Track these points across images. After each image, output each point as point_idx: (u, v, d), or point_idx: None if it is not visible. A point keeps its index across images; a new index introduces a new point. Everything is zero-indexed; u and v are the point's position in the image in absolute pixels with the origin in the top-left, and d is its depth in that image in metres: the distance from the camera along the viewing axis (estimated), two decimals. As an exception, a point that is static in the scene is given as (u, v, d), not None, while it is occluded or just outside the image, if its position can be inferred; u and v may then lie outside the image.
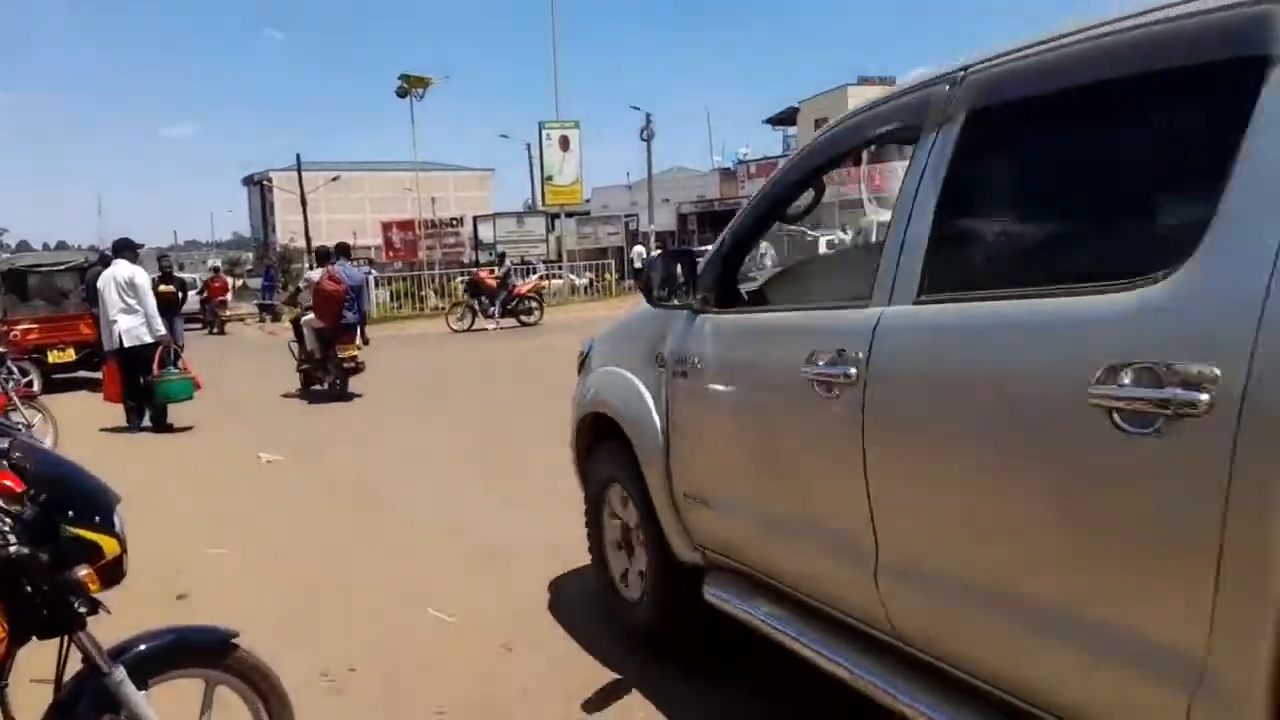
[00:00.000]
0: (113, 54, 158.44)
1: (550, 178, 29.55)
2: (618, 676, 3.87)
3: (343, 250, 15.31)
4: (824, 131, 3.30)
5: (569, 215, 32.02)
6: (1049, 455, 2.07)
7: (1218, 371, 1.72)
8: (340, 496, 7.39)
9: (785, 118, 62.38)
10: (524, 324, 21.97)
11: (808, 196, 3.67)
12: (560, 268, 30.73)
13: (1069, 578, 2.06)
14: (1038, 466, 2.11)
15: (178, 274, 18.92)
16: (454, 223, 35.34)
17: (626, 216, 42.29)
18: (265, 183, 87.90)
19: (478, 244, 32.03)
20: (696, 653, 3.93)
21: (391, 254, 40.10)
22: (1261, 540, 1.65)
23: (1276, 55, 1.79)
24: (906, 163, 2.70)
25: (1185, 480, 1.78)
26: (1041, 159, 2.52)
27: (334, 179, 67.72)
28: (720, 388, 3.46)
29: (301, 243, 58.10)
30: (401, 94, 29.69)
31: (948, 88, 2.60)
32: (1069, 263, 2.34)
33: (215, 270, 32.03)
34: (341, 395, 12.29)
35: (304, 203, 53.46)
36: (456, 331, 21.52)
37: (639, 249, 35.95)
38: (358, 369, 12.28)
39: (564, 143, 29.68)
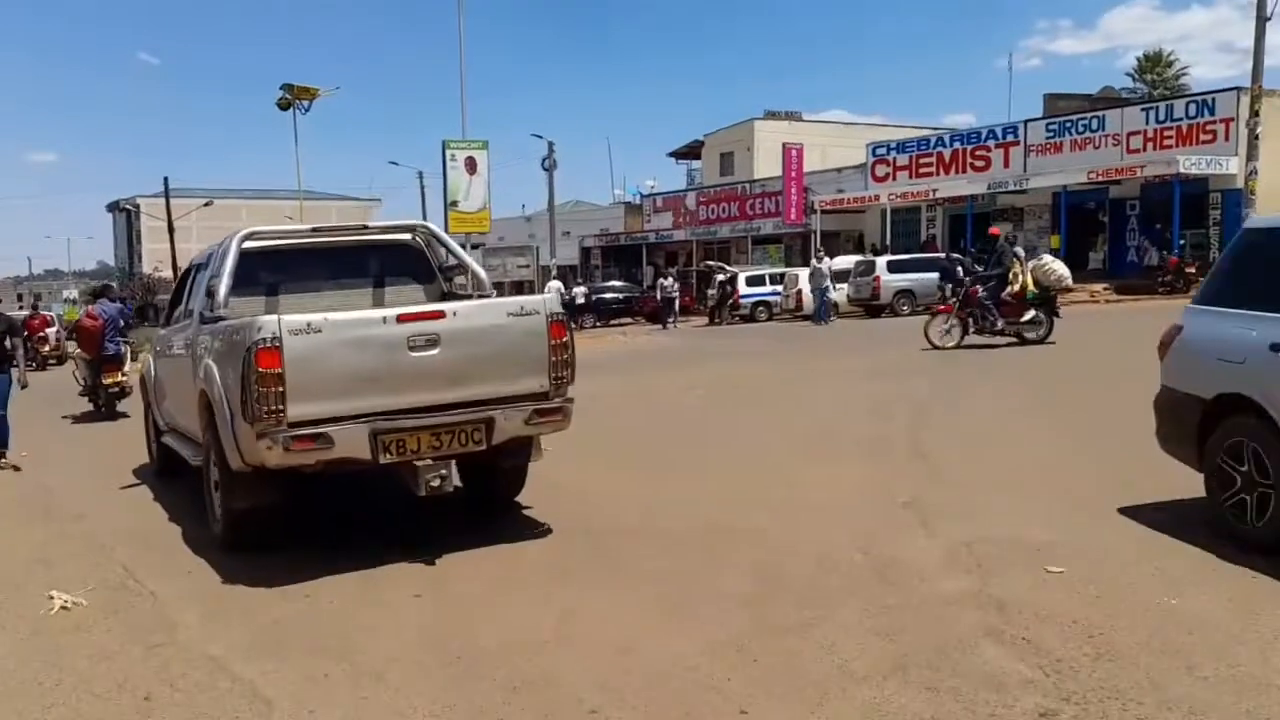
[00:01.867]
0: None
1: (455, 203, 26.59)
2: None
3: (104, 290, 17.06)
4: None
5: (471, 246, 29.01)
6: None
7: None
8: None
9: (689, 151, 60.53)
10: None
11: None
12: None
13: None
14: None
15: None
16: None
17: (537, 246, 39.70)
18: (131, 209, 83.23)
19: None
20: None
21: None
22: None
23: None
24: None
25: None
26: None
27: (206, 204, 63.52)
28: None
29: (168, 271, 54.04)
30: (284, 106, 26.37)
31: None
32: None
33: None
34: (110, 416, 13.97)
35: (170, 229, 49.62)
36: None
37: (555, 283, 32.92)
38: (124, 393, 13.86)
39: (470, 164, 26.78)
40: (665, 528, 6.03)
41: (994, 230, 16.82)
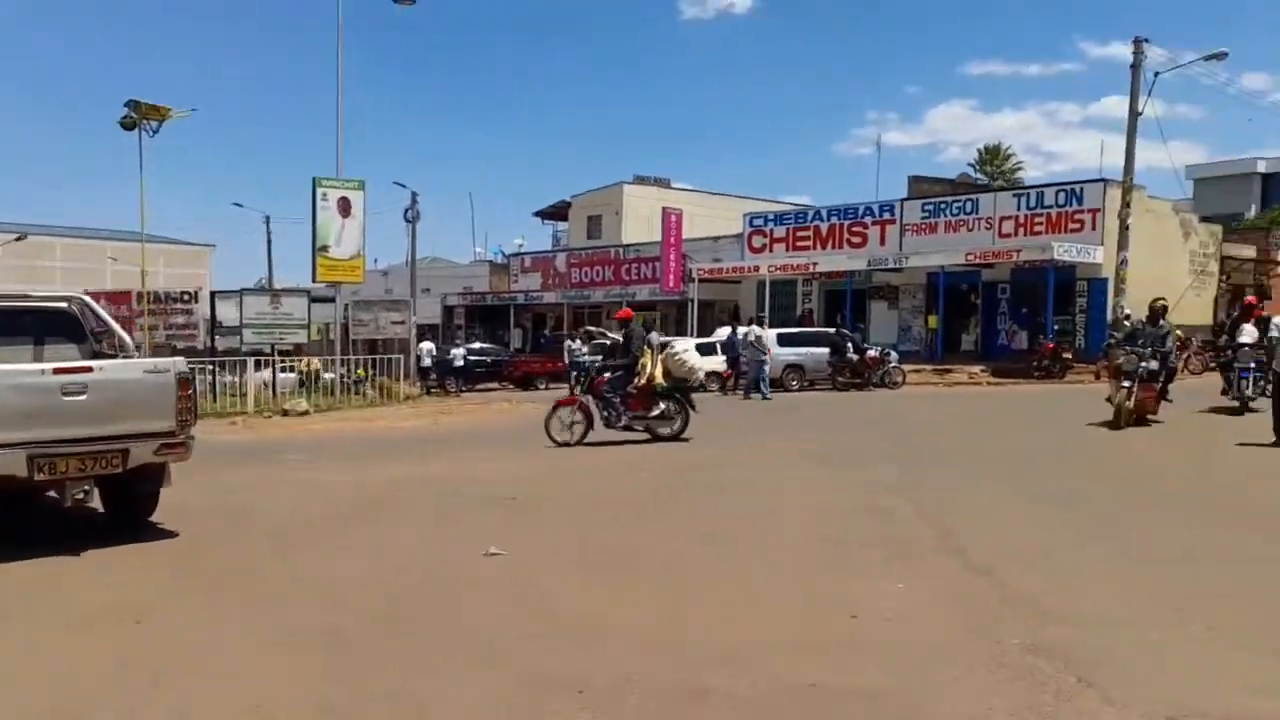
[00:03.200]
0: None
1: (325, 247, 24.42)
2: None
3: None
4: None
5: (315, 299, 26.85)
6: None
7: None
8: None
9: (556, 212, 59.68)
10: None
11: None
12: (333, 361, 25.37)
13: None
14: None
15: None
16: (185, 298, 29.13)
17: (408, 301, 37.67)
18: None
19: (214, 326, 25.89)
20: None
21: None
22: None
23: None
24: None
25: None
26: None
27: (18, 239, 58.67)
28: None
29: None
30: (128, 126, 23.70)
31: None
32: None
33: None
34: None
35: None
36: None
37: (427, 344, 31.15)
38: None
39: (344, 206, 24.73)
40: (727, 689, 4.45)
41: (624, 313, 15.50)
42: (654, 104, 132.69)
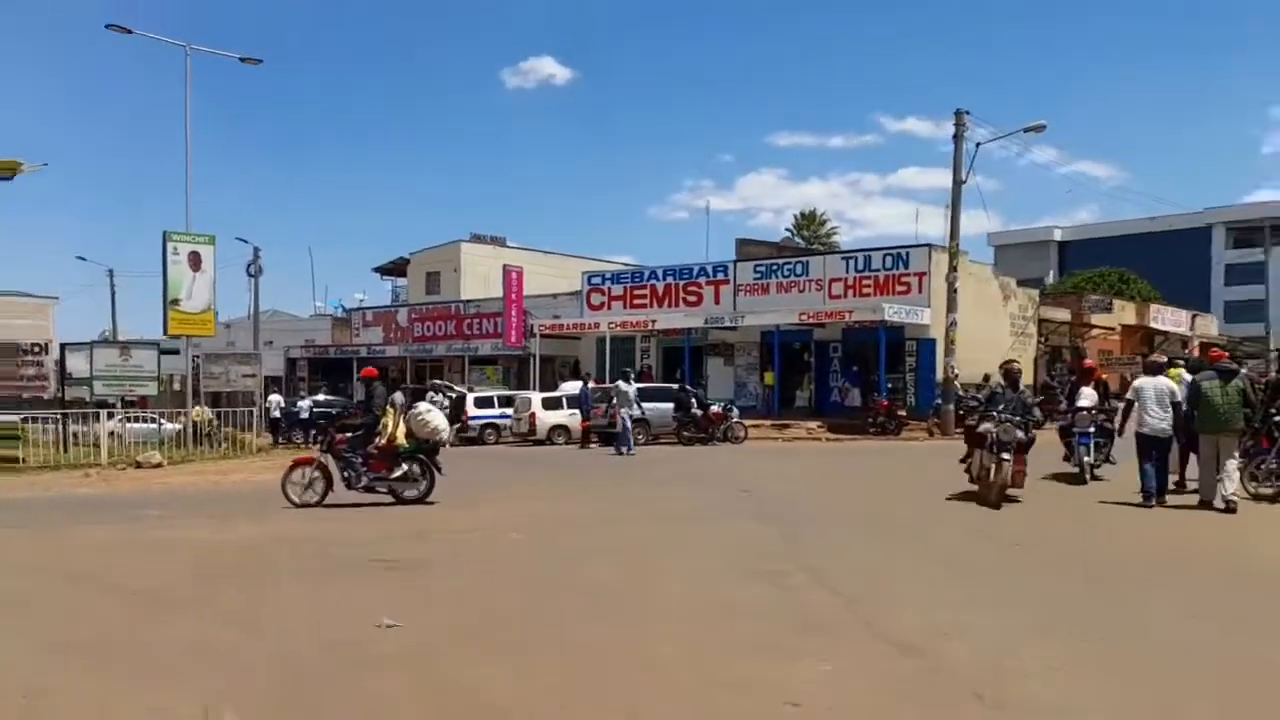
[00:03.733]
0: None
1: (176, 301, 23.93)
2: None
3: None
4: None
5: (163, 352, 26.45)
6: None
7: None
8: None
9: (395, 268, 59.33)
10: None
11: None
12: (181, 413, 24.88)
13: None
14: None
15: None
16: (36, 349, 28.00)
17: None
18: None
19: (64, 377, 25.28)
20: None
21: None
22: None
23: None
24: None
25: None
26: None
27: None
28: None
29: None
30: (-22, 177, 23.03)
31: None
32: None
33: None
34: None
35: None
36: None
37: (275, 397, 30.53)
38: None
39: (195, 260, 24.29)
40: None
41: (369, 371, 15.40)
42: (485, 167, 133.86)
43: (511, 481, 18.62)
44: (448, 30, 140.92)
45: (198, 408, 24.91)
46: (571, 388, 32.10)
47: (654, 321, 37.21)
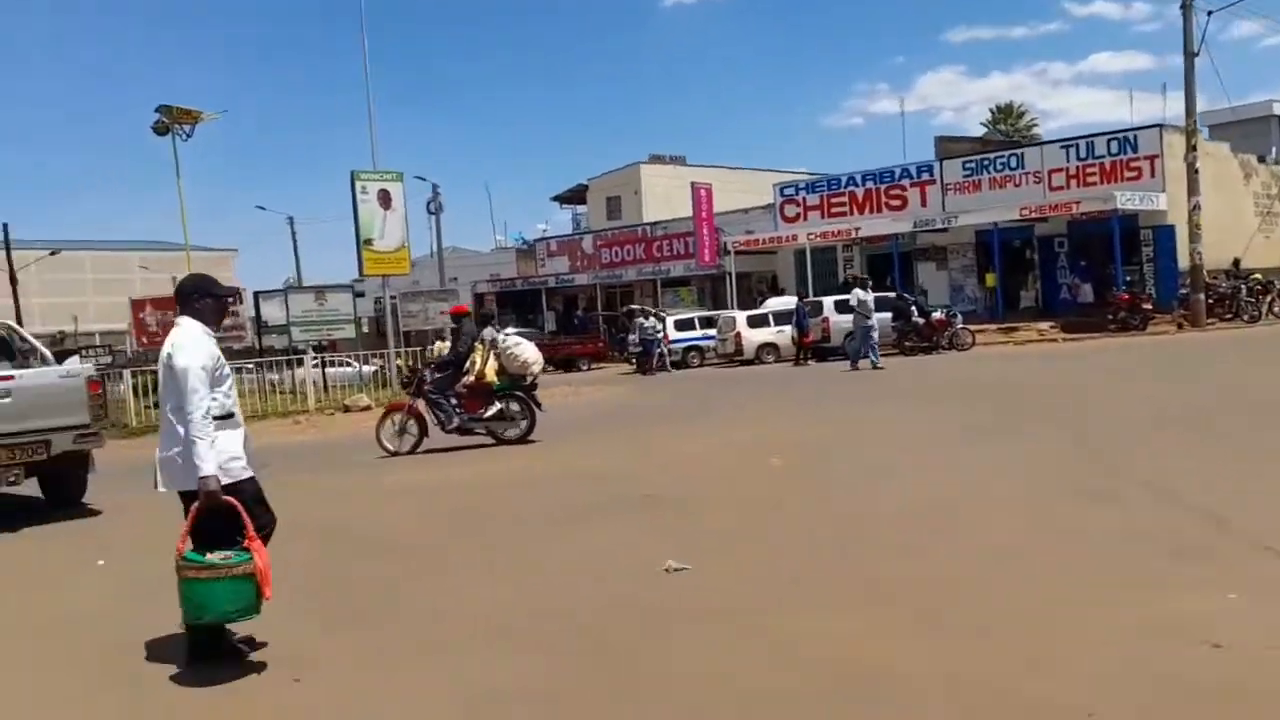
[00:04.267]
0: None
1: (369, 241, 23.42)
2: None
3: None
4: None
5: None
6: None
7: None
8: None
9: (574, 195, 58.61)
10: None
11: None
12: (376, 356, 24.62)
13: None
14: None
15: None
16: (231, 299, 28.26)
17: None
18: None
19: (260, 326, 25.25)
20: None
21: (145, 339, 32.13)
22: None
23: None
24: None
25: None
26: None
27: (52, 254, 58.20)
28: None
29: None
30: (161, 131, 22.93)
31: None
32: None
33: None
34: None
35: (13, 280, 44.62)
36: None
37: (488, 330, 29.98)
38: None
39: (384, 198, 23.74)
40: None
41: (458, 308, 14.53)
42: (652, 89, 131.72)
43: (744, 402, 17.31)
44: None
45: (439, 343, 24.49)
46: (779, 303, 30.52)
47: (857, 229, 35.11)
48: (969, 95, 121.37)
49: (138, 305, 33.68)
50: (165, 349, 4.99)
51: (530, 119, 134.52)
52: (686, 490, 8.83)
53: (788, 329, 27.90)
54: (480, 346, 13.05)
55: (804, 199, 38.61)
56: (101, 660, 5.19)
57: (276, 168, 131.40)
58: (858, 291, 23.22)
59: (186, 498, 4.87)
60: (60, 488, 10.26)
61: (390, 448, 12.87)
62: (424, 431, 12.97)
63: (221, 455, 4.76)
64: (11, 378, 9.43)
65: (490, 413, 12.87)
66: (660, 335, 29.41)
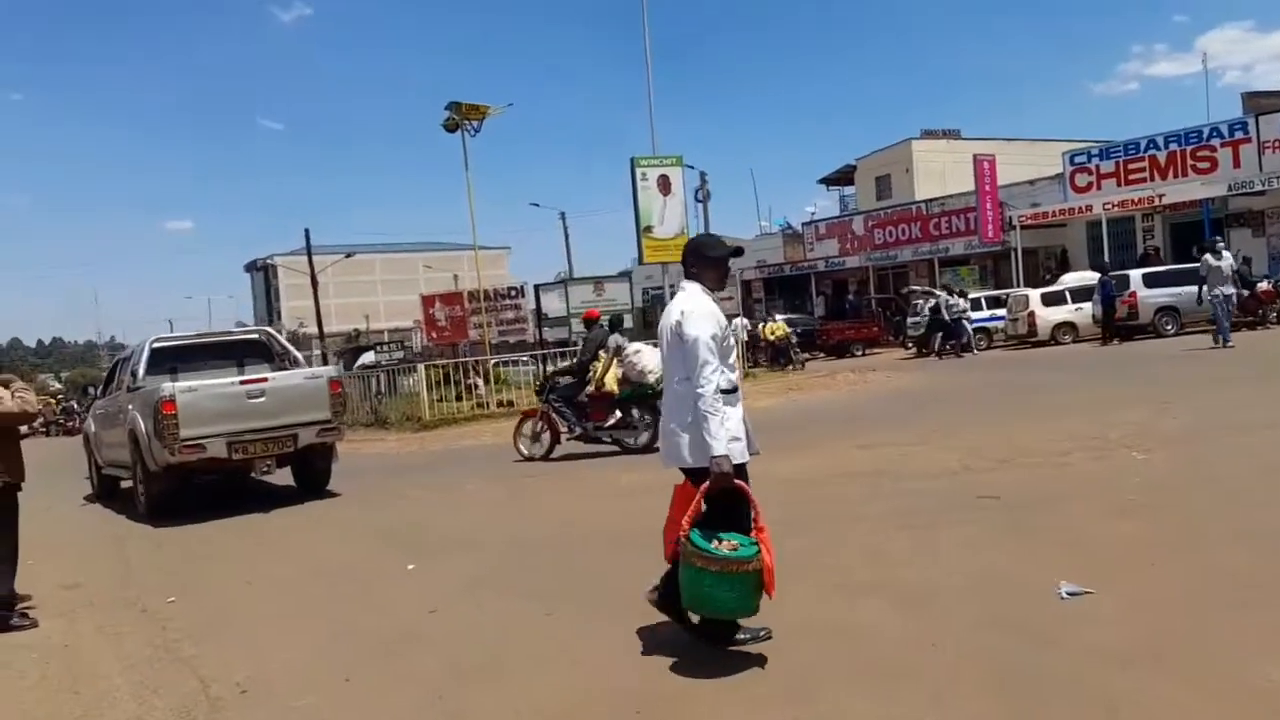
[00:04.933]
0: (109, 151, 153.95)
1: (649, 228, 23.57)
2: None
3: None
4: None
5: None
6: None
7: None
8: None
9: (841, 177, 57.28)
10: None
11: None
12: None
13: None
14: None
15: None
16: (512, 294, 29.17)
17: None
18: (269, 268, 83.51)
19: (541, 319, 25.82)
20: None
21: (436, 334, 33.70)
22: None
23: None
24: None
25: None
26: None
27: (347, 256, 62.65)
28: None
29: (312, 327, 52.87)
30: (451, 128, 23.80)
31: None
32: None
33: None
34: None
35: (314, 282, 48.17)
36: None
37: (740, 320, 29.68)
38: None
39: (664, 184, 23.81)
40: None
41: (591, 313, 14.16)
42: (912, 62, 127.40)
43: (1063, 385, 15.96)
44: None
45: (773, 322, 24.30)
46: (1075, 278, 28.54)
47: (1160, 196, 32.26)
48: (1256, 52, 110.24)
49: (428, 301, 35.54)
50: (671, 315, 4.72)
51: (793, 104, 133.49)
52: (1035, 491, 7.78)
53: (1086, 306, 25.95)
54: (604, 355, 13.03)
55: (1097, 166, 35.91)
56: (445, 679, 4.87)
57: (545, 163, 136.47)
58: (1208, 258, 20.01)
59: (693, 475, 4.63)
60: (308, 476, 11.73)
61: (525, 452, 13.17)
62: (556, 438, 13.13)
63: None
64: (266, 379, 10.87)
65: (611, 421, 12.87)
66: (968, 314, 27.73)
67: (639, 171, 23.72)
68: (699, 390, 4.43)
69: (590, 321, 13.90)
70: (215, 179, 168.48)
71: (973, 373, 21.42)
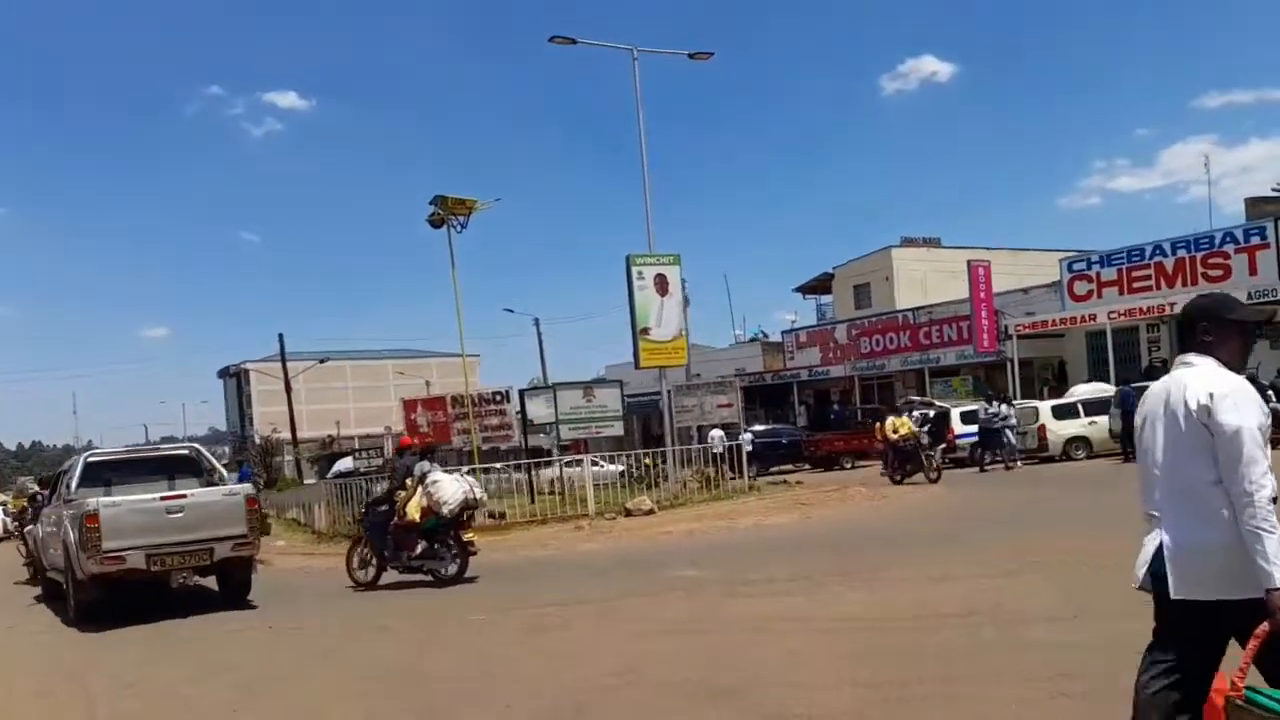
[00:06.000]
0: (89, 263, 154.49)
1: (645, 330, 21.78)
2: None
3: None
4: None
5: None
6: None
7: None
8: None
9: (818, 285, 56.20)
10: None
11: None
12: (652, 455, 22.63)
13: None
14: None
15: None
16: (497, 398, 27.39)
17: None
18: (242, 373, 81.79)
19: (526, 424, 24.11)
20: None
21: (418, 441, 31.97)
22: None
23: None
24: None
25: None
26: None
27: (321, 361, 60.75)
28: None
29: (285, 432, 50.83)
30: (436, 224, 22.13)
31: None
32: None
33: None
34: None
35: (288, 388, 46.59)
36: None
37: (717, 432, 27.57)
38: None
39: (661, 283, 22.09)
40: None
41: (404, 440, 14.59)
42: (878, 176, 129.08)
43: (1117, 504, 14.14)
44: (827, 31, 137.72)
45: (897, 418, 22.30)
46: (1088, 390, 26.92)
47: (1171, 304, 30.82)
48: (1223, 166, 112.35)
49: (409, 406, 33.77)
50: (1191, 396, 3.40)
51: (764, 213, 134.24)
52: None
53: (1101, 420, 24.24)
54: (412, 482, 12.43)
55: (1098, 274, 34.46)
56: None
57: (517, 268, 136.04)
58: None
59: (1222, 611, 3.36)
60: (228, 587, 11.99)
61: (358, 578, 12.64)
62: (383, 564, 12.53)
63: None
64: (185, 495, 11.36)
65: (419, 550, 12.30)
66: (1010, 421, 25.36)
67: (635, 270, 22.06)
68: (1248, 497, 3.23)
69: (401, 450, 13.72)
70: (191, 289, 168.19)
71: (1008, 489, 19.55)
